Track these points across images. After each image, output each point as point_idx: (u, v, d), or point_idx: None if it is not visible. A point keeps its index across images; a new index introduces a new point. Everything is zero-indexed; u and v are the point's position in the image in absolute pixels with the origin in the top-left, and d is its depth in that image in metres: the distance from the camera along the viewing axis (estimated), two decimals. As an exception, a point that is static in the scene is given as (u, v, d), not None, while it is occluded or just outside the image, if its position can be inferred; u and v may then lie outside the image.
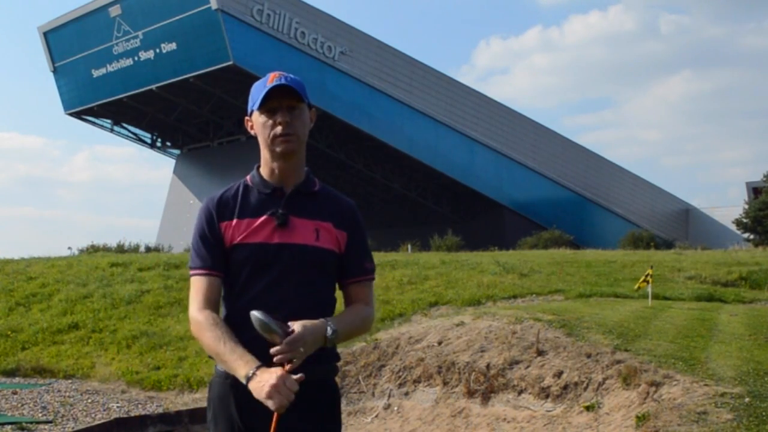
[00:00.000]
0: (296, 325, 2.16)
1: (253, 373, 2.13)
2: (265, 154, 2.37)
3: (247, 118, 2.42)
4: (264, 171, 2.40)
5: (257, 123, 2.35)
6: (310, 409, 2.29)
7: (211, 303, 2.31)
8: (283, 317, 2.22)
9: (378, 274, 13.82)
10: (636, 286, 10.49)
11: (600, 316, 8.60)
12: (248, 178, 2.43)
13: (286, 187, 2.37)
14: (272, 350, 2.13)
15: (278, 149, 2.31)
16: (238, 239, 2.32)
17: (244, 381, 2.14)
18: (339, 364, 2.44)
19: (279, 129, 2.30)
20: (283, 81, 2.30)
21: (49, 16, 74.67)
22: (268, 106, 2.31)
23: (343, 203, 2.46)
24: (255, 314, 2.11)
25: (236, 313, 2.31)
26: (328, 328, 2.22)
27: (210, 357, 2.34)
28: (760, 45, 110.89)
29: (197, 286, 2.34)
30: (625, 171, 46.64)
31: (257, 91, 2.33)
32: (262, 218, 2.33)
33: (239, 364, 2.17)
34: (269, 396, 2.07)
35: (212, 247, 2.34)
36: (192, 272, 2.36)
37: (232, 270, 2.34)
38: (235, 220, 2.34)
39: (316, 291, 2.32)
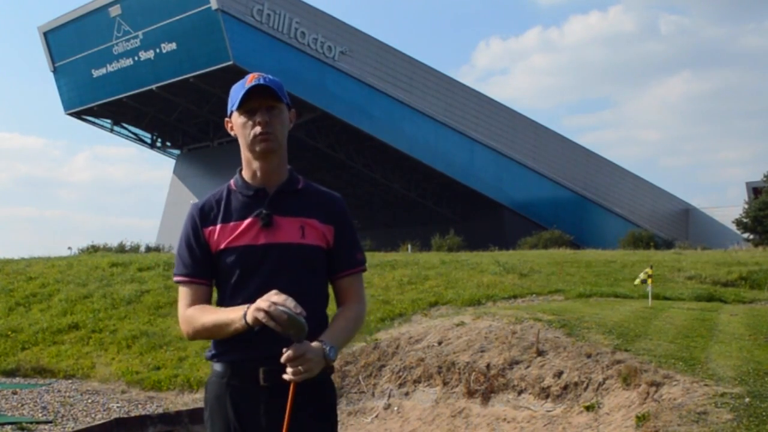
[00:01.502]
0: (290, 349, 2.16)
1: (248, 308, 2.16)
2: (246, 155, 2.39)
3: (227, 119, 2.43)
4: (246, 173, 2.41)
5: (237, 124, 2.37)
6: (305, 407, 2.29)
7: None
8: None
9: (378, 274, 13.90)
10: (636, 282, 10.50)
11: (600, 316, 8.60)
12: (232, 182, 2.44)
13: (268, 188, 2.38)
14: (283, 358, 2.13)
15: (258, 148, 2.32)
16: (225, 243, 2.33)
17: (243, 321, 2.16)
18: (336, 363, 2.43)
19: (258, 129, 2.31)
20: (261, 81, 2.31)
21: (49, 16, 74.70)
22: (247, 106, 2.32)
23: (327, 197, 2.46)
24: (284, 309, 2.09)
25: None
26: (326, 348, 2.21)
27: (211, 354, 2.35)
28: (760, 45, 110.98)
29: (182, 293, 2.39)
30: (625, 171, 46.63)
31: (236, 92, 2.35)
32: (247, 221, 2.33)
33: (233, 312, 2.21)
34: (259, 308, 2.10)
35: (197, 255, 2.37)
36: (176, 278, 2.40)
37: (222, 274, 2.35)
38: (219, 225, 2.35)
39: (306, 288, 2.32)
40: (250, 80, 2.33)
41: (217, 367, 2.36)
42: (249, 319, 2.15)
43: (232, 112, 2.38)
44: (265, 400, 2.29)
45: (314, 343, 2.19)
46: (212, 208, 2.39)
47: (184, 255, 2.39)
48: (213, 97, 37.87)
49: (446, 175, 39.84)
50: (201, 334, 2.32)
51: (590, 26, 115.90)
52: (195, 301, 2.36)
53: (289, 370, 2.15)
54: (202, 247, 2.36)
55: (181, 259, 2.40)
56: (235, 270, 2.32)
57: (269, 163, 2.37)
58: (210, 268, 2.37)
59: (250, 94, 2.31)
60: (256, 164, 2.37)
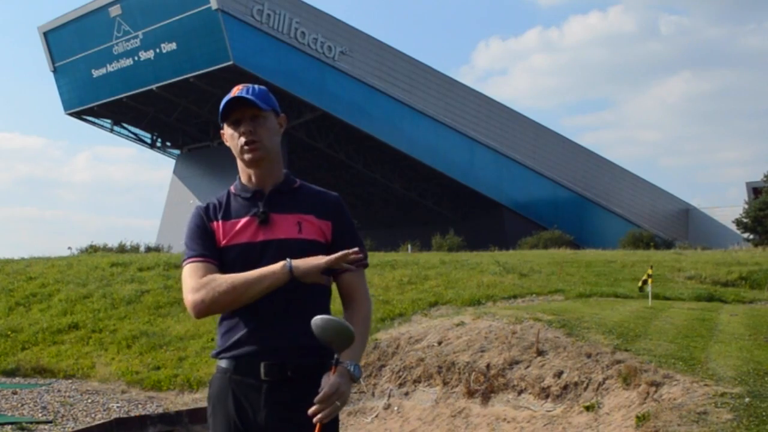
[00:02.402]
0: (325, 385, 2.19)
1: (289, 261, 2.27)
2: (239, 163, 2.47)
3: (221, 131, 2.51)
4: (243, 179, 2.49)
5: (227, 135, 2.46)
6: (306, 403, 2.30)
7: None
8: (276, 310, 2.31)
9: (378, 274, 13.90)
10: (639, 285, 10.50)
11: (600, 316, 8.60)
12: (232, 187, 2.52)
13: (265, 189, 2.45)
14: (312, 410, 2.15)
15: (246, 158, 2.41)
16: (225, 241, 2.40)
17: (286, 271, 2.25)
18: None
19: (243, 139, 2.39)
20: (242, 93, 2.39)
21: (49, 16, 74.70)
22: (232, 117, 2.41)
23: (324, 195, 2.51)
24: (328, 318, 2.17)
25: (231, 311, 2.37)
26: (351, 369, 2.25)
27: (216, 351, 2.40)
28: (760, 46, 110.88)
29: (192, 270, 2.35)
30: (625, 171, 46.63)
31: (222, 105, 2.43)
32: (245, 219, 2.40)
33: (270, 269, 2.27)
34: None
35: (206, 240, 2.41)
36: (187, 262, 2.39)
37: (223, 271, 2.39)
38: (221, 222, 2.42)
39: (306, 283, 2.34)
40: (234, 92, 2.41)
41: (222, 363, 2.40)
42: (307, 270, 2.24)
43: (223, 124, 2.47)
44: (265, 394, 2.32)
45: (339, 368, 2.21)
46: (215, 207, 2.47)
47: (192, 242, 2.41)
48: (213, 97, 37.86)
49: (446, 175, 39.82)
50: (223, 297, 2.27)
51: (590, 26, 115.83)
52: (208, 273, 2.33)
53: (323, 412, 2.16)
54: (210, 235, 2.41)
55: (189, 245, 2.41)
56: (236, 267, 2.36)
57: (262, 170, 2.44)
58: (218, 253, 2.39)
59: (232, 106, 2.39)
60: (249, 171, 2.46)
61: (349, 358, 2.27)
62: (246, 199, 2.44)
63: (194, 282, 2.32)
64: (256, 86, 2.45)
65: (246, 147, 2.38)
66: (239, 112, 2.39)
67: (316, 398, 2.16)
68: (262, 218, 2.38)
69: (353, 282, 2.47)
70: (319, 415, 2.15)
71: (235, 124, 2.41)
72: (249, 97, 2.38)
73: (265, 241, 2.37)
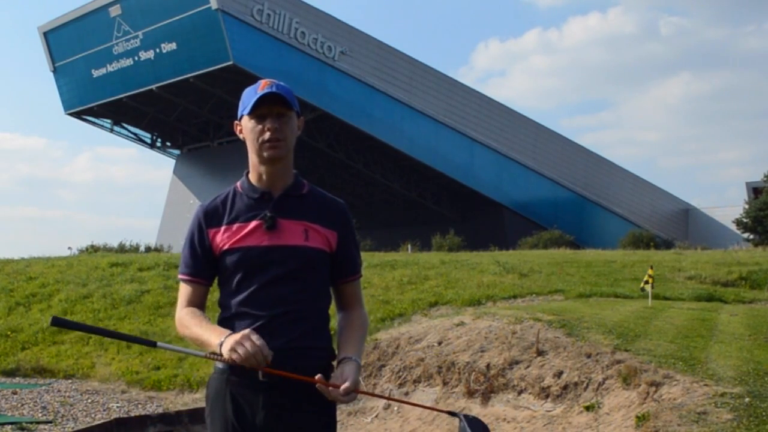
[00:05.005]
0: (348, 378, 2.27)
1: (225, 338, 2.22)
2: (253, 158, 2.43)
3: (236, 122, 2.47)
4: (252, 176, 2.46)
5: (246, 128, 2.41)
6: (304, 404, 2.33)
7: (192, 306, 2.43)
8: (276, 312, 2.32)
9: (378, 274, 13.91)
10: (641, 286, 10.47)
11: (600, 316, 8.60)
12: (238, 184, 2.49)
13: (273, 191, 2.42)
14: (343, 394, 2.24)
15: (266, 154, 2.37)
16: (229, 244, 2.38)
17: (218, 349, 2.22)
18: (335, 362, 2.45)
19: (268, 135, 2.35)
20: (274, 89, 2.36)
21: (49, 16, 74.64)
22: (258, 112, 2.37)
23: (332, 203, 2.50)
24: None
25: (232, 313, 2.38)
26: (360, 362, 2.37)
27: (203, 357, 2.40)
28: (760, 47, 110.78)
29: (182, 291, 2.46)
30: (625, 171, 46.61)
31: (248, 97, 2.39)
32: (252, 222, 2.38)
33: (213, 336, 2.27)
34: (232, 348, 2.16)
35: (199, 256, 2.43)
36: (179, 277, 2.47)
37: (226, 273, 2.40)
38: (224, 227, 2.40)
39: (308, 289, 2.37)
40: (262, 86, 2.37)
41: (220, 364, 2.40)
42: (225, 355, 2.20)
43: (242, 115, 2.42)
44: (263, 395, 2.32)
45: (349, 366, 2.30)
46: (217, 209, 2.44)
47: (186, 254, 2.46)
48: (213, 97, 37.89)
49: (446, 175, 39.82)
50: (187, 339, 2.39)
51: (590, 28, 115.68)
52: (190, 300, 2.43)
53: (341, 398, 2.25)
54: (205, 248, 2.42)
55: (184, 259, 2.47)
56: (239, 270, 2.36)
57: (275, 168, 2.41)
58: (210, 269, 2.44)
59: (262, 100, 2.35)
60: (262, 168, 2.42)
61: (354, 353, 2.34)
62: (253, 199, 2.41)
63: (178, 309, 2.44)
64: (282, 83, 2.42)
65: (268, 144, 2.35)
66: (267, 108, 2.36)
67: (344, 388, 2.22)
68: (270, 223, 2.36)
69: (352, 291, 2.52)
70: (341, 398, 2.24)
71: (259, 118, 2.37)
72: (283, 94, 2.36)
73: (271, 246, 2.35)
